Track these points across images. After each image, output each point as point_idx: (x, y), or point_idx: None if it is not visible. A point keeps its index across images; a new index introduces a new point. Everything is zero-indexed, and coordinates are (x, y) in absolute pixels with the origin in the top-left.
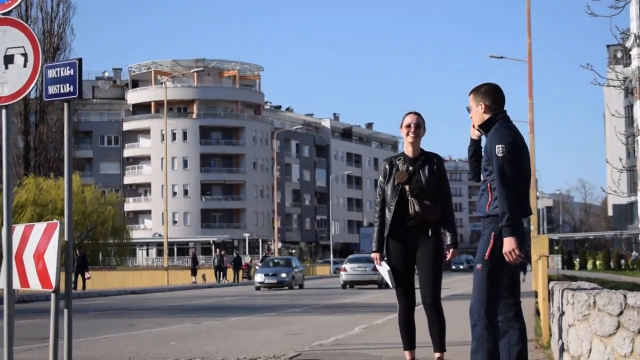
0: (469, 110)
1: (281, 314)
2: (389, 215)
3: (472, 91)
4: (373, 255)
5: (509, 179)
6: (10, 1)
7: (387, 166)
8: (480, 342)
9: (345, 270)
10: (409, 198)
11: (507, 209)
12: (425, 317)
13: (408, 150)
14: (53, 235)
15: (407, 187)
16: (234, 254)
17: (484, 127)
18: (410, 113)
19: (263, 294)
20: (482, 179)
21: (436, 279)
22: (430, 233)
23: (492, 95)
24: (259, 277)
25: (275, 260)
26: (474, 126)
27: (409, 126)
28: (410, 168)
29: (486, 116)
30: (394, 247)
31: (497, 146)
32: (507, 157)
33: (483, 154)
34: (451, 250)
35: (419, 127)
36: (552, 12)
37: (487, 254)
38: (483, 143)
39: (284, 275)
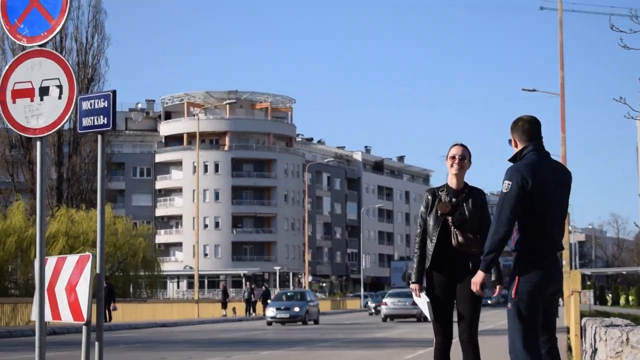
0: (510, 142)
1: (311, 348)
2: (430, 246)
3: (511, 128)
4: (412, 286)
5: (502, 216)
6: (46, 33)
7: (429, 197)
8: None
9: (386, 304)
10: (452, 229)
11: (489, 245)
12: (459, 352)
13: (452, 182)
14: (85, 267)
15: (449, 219)
16: (263, 287)
17: (513, 161)
18: (456, 145)
19: (290, 329)
20: None
21: (474, 314)
22: (471, 267)
23: (519, 129)
24: (270, 312)
25: (289, 294)
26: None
27: (453, 157)
28: (453, 200)
29: (515, 150)
30: (435, 279)
31: (504, 182)
32: (509, 194)
33: None
34: (497, 287)
35: (463, 159)
36: (585, 45)
37: (513, 293)
38: None
39: (297, 309)
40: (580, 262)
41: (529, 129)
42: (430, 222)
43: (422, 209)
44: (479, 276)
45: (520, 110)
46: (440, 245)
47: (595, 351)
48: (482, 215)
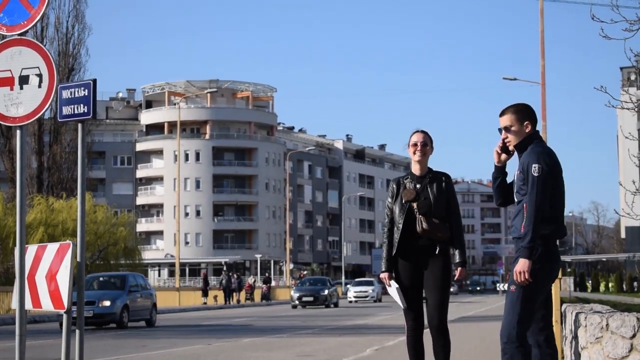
0: (503, 130)
1: (293, 335)
2: (397, 234)
3: (513, 110)
4: (382, 275)
5: (539, 200)
6: (26, 22)
7: (394, 186)
8: None
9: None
10: (417, 216)
11: (532, 230)
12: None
13: (415, 169)
14: (66, 255)
15: (415, 205)
16: (234, 275)
17: (521, 146)
18: (417, 132)
19: (272, 316)
20: (516, 200)
21: (443, 300)
22: (437, 252)
23: (534, 114)
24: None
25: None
26: (499, 152)
27: (415, 145)
28: (417, 186)
29: (526, 135)
30: (402, 266)
31: (534, 165)
32: (542, 177)
33: (518, 173)
34: (459, 269)
35: (425, 146)
36: (565, 34)
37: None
38: (509, 168)
39: (324, 292)
40: (561, 249)
41: (536, 115)
42: (396, 210)
43: (389, 199)
44: (526, 264)
45: (502, 98)
46: (406, 233)
47: (575, 337)
48: (448, 199)
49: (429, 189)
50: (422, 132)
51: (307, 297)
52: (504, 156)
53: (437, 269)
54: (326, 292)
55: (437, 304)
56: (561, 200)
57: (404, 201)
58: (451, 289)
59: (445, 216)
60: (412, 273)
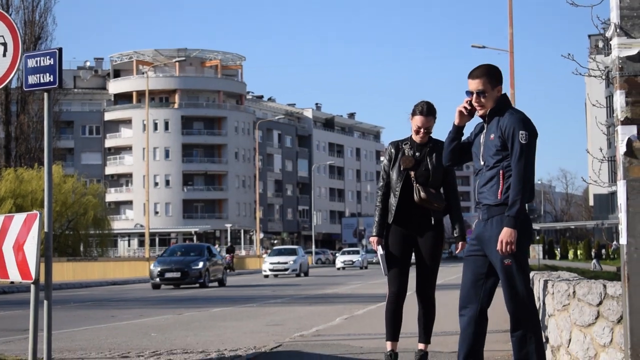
0: (477, 94)
1: (263, 305)
2: (393, 201)
3: (485, 73)
4: (372, 239)
5: (528, 168)
6: None
7: (393, 150)
8: (539, 334)
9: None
10: (414, 184)
11: (520, 199)
12: (410, 307)
13: (416, 137)
14: (33, 226)
15: (412, 173)
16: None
17: (494, 110)
18: (422, 115)
19: (243, 285)
20: (485, 163)
21: (433, 270)
22: (433, 222)
23: (502, 76)
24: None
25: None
26: (464, 112)
27: (418, 129)
28: (417, 154)
29: (498, 99)
30: (395, 232)
31: (521, 132)
32: (530, 145)
33: (494, 138)
34: (460, 243)
35: (428, 132)
36: (533, 2)
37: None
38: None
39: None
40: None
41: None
42: (393, 176)
43: (385, 162)
44: (513, 234)
45: (471, 66)
46: (403, 200)
47: (542, 305)
48: (447, 171)
49: (428, 158)
50: (429, 113)
51: (171, 272)
52: (466, 117)
53: (430, 239)
54: (200, 265)
55: (428, 274)
56: (535, 164)
57: (402, 168)
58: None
59: (441, 187)
60: (402, 240)
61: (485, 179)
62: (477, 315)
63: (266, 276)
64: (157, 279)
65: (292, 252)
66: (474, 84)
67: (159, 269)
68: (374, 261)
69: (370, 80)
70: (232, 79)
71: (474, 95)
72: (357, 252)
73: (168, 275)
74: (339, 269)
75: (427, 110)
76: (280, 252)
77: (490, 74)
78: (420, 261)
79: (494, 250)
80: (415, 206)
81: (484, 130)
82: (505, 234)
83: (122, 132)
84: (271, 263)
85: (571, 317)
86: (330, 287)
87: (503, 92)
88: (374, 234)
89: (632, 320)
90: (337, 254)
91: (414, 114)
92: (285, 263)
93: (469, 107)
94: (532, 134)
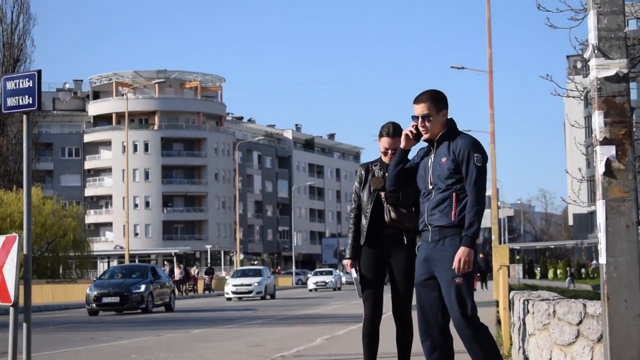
0: (422, 118)
1: (243, 325)
2: (365, 222)
3: (430, 98)
4: (345, 262)
5: (483, 191)
6: None
7: (363, 172)
8: (490, 347)
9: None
10: (385, 205)
11: (477, 220)
12: (389, 328)
13: (385, 158)
14: (12, 248)
15: (382, 194)
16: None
17: (443, 135)
18: (389, 136)
19: (223, 306)
20: (436, 187)
21: (408, 290)
22: (405, 242)
23: (447, 100)
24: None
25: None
26: (410, 137)
27: (386, 152)
28: (386, 174)
29: (444, 124)
30: (366, 254)
31: (476, 155)
32: (484, 167)
33: (447, 161)
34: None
35: (395, 151)
36: (512, 23)
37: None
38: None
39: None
40: (509, 237)
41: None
42: (364, 197)
43: (356, 184)
44: (471, 254)
45: (450, 87)
46: (374, 221)
47: (523, 324)
48: (417, 189)
49: None
50: (393, 136)
51: (109, 296)
52: (412, 141)
53: (403, 260)
54: (142, 288)
55: (402, 295)
56: None
57: (372, 190)
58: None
59: (413, 206)
60: (375, 261)
61: (437, 201)
62: (440, 338)
63: (229, 299)
64: (94, 304)
65: (257, 273)
66: (419, 109)
67: (95, 293)
68: (345, 282)
69: (349, 101)
70: (212, 100)
71: (419, 120)
72: (330, 273)
73: (105, 300)
74: (311, 290)
75: (394, 132)
76: (244, 273)
77: (434, 99)
78: (394, 282)
79: (446, 269)
80: (387, 227)
81: (431, 154)
82: (464, 253)
83: (101, 154)
84: (234, 285)
85: (551, 336)
86: (311, 308)
87: (450, 116)
88: (347, 256)
89: (612, 339)
90: (309, 275)
91: (380, 135)
92: (249, 285)
93: (414, 132)
94: (485, 157)
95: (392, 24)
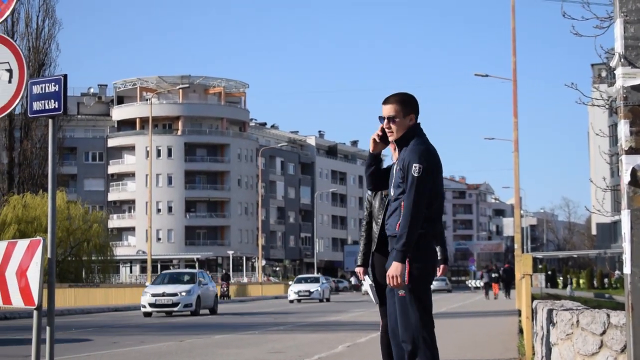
0: (386, 120)
1: (265, 332)
2: (376, 229)
3: (398, 100)
4: (357, 269)
5: (418, 202)
6: None
7: None
8: None
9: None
10: None
11: (407, 234)
12: None
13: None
14: (36, 252)
15: None
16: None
17: (402, 139)
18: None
19: (235, 313)
20: (392, 193)
21: None
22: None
23: (418, 106)
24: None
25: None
26: (377, 140)
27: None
28: None
29: (409, 128)
30: (379, 261)
31: (415, 165)
32: (422, 178)
33: (398, 169)
34: (442, 266)
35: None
36: (537, 31)
37: (406, 279)
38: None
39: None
40: (532, 246)
41: (419, 107)
42: (376, 204)
43: (368, 192)
44: (399, 268)
45: (474, 94)
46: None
47: (546, 333)
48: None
49: None
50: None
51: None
52: (380, 145)
53: None
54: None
55: None
56: (439, 201)
57: (383, 195)
58: (447, 285)
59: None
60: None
61: (391, 210)
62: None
63: (291, 301)
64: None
65: (315, 280)
66: (386, 110)
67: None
68: (363, 293)
69: (372, 108)
70: (236, 106)
71: (385, 121)
72: (317, 280)
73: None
74: (292, 301)
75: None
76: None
77: (403, 102)
78: None
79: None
80: None
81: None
82: (392, 267)
83: (125, 159)
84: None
85: (575, 346)
86: (331, 315)
87: (419, 121)
88: (359, 263)
89: (636, 349)
90: (290, 283)
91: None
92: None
93: (380, 134)
94: (429, 167)
95: (417, 32)
